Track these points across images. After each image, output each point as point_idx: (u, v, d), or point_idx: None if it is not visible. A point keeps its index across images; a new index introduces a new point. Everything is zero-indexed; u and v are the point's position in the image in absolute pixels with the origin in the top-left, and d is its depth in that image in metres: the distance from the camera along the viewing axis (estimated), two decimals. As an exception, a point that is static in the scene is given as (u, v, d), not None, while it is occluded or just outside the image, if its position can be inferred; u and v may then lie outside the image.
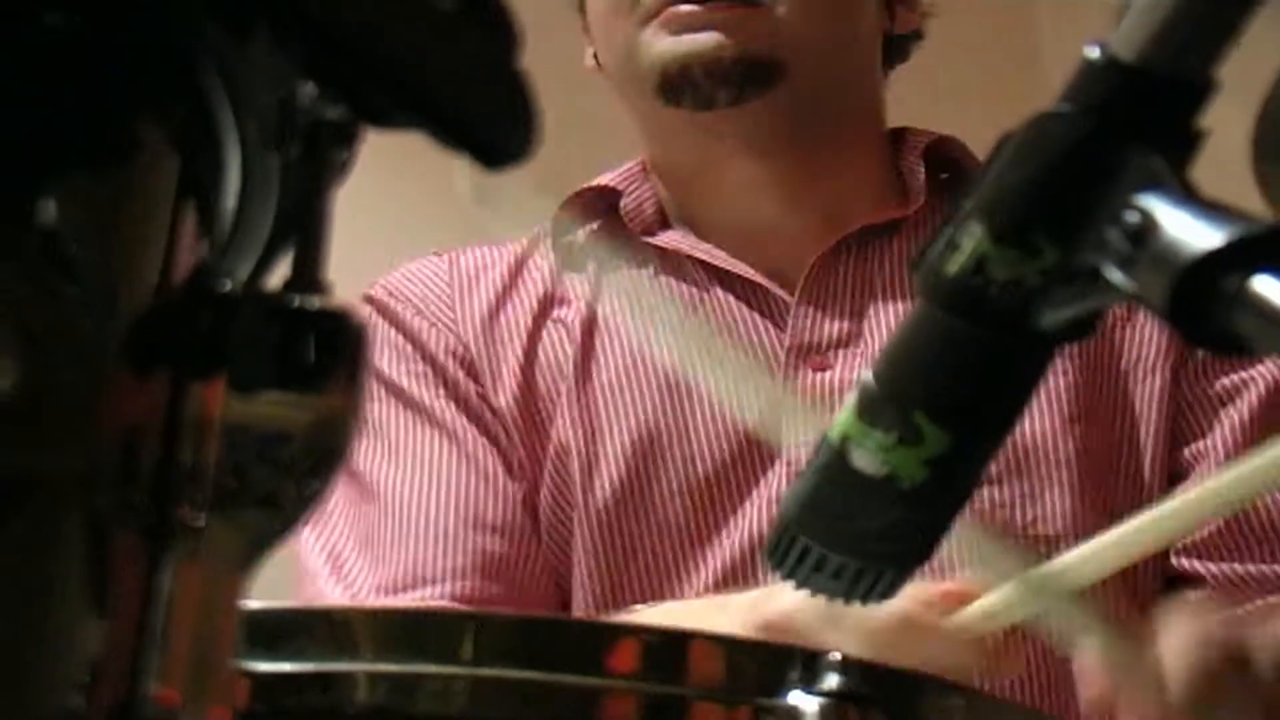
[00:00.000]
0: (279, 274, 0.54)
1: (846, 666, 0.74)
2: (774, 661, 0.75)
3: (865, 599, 0.79)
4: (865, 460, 0.76)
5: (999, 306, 0.72)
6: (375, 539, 1.40)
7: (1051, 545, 1.37)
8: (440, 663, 0.72)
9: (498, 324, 1.48)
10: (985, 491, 1.37)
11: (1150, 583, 1.42)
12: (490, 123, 0.50)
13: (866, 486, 0.76)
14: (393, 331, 1.47)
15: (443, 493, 1.42)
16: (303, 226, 0.54)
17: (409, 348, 1.47)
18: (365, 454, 1.44)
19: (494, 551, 1.39)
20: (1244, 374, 1.45)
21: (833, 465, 0.78)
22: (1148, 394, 1.44)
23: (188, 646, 0.45)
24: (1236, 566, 1.41)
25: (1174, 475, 1.43)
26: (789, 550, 0.80)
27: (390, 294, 1.50)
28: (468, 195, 2.12)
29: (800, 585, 0.80)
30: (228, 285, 0.50)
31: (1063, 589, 1.13)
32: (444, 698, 0.72)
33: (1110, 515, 1.39)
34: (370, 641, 0.73)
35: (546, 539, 1.42)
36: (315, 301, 0.51)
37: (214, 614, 0.45)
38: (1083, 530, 1.37)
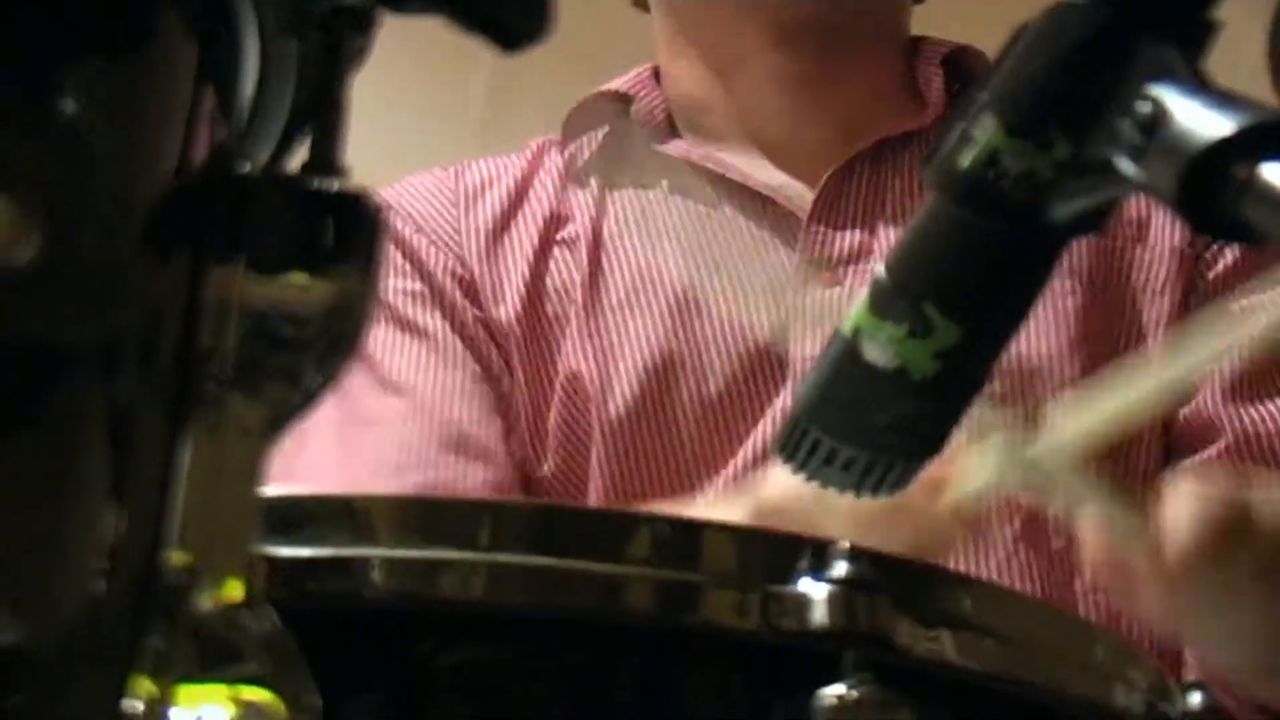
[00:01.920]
0: (297, 159, 0.55)
1: (855, 555, 0.75)
2: (784, 550, 0.76)
3: (875, 491, 0.80)
4: (876, 353, 0.77)
5: (1011, 199, 0.72)
6: (358, 461, 1.41)
7: None
8: (457, 549, 0.73)
9: (502, 243, 1.47)
10: (987, 411, 1.37)
11: (1151, 463, 1.42)
12: (507, 5, 0.50)
13: (877, 379, 0.77)
14: (390, 247, 1.46)
15: (430, 421, 1.41)
16: (320, 112, 0.55)
17: (406, 265, 1.46)
18: (356, 377, 1.43)
19: (475, 477, 1.39)
20: (1256, 299, 1.45)
21: (844, 358, 0.78)
22: (1156, 316, 1.44)
23: (209, 519, 0.45)
24: (1255, 409, 1.40)
25: (1180, 400, 1.43)
26: (800, 443, 0.80)
27: (390, 208, 1.50)
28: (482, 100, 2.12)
29: (811, 478, 0.81)
30: (246, 169, 0.51)
31: (1054, 461, 1.14)
32: (461, 583, 0.73)
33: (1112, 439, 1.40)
34: (388, 528, 0.74)
35: (560, 459, 1.42)
36: (333, 184, 0.51)
37: (235, 487, 0.46)
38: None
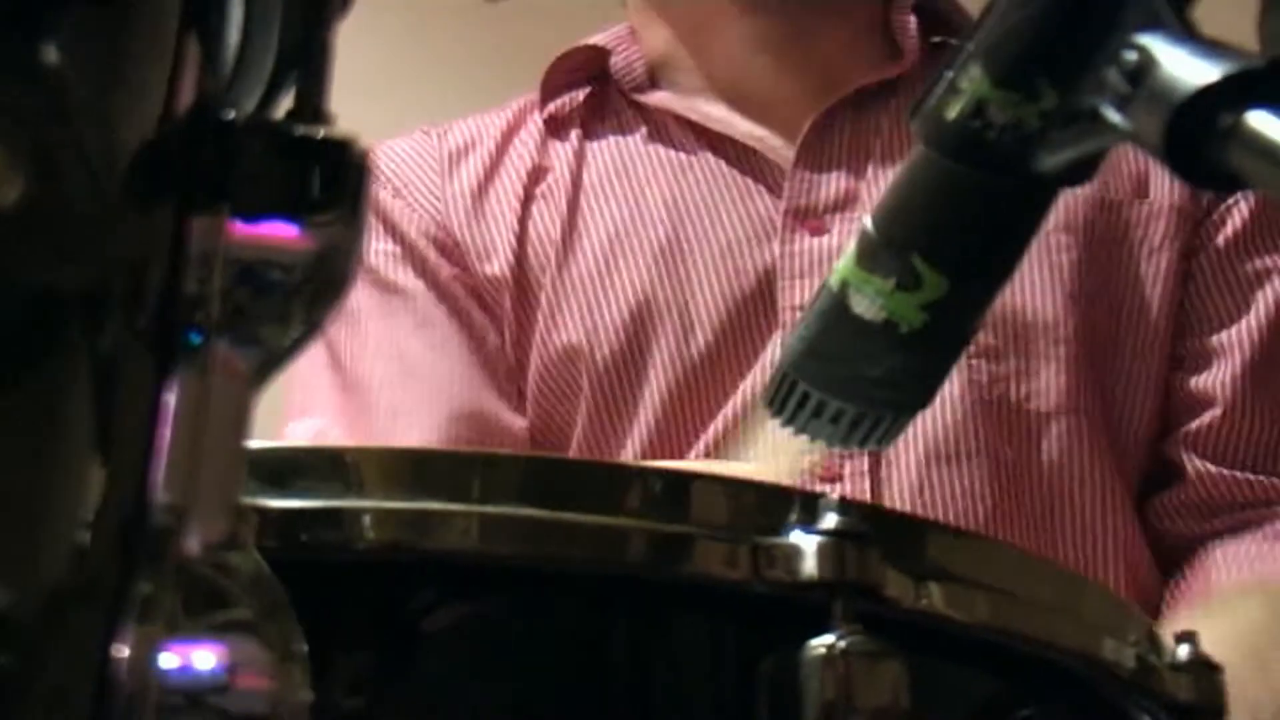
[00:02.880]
0: (283, 109, 0.55)
1: (845, 507, 0.75)
2: (774, 501, 0.76)
3: (863, 444, 0.80)
4: (864, 306, 0.77)
5: (998, 150, 0.73)
6: (353, 424, 1.41)
7: (1045, 421, 1.38)
8: (449, 500, 0.73)
9: (486, 201, 1.47)
10: (983, 365, 1.38)
11: (1144, 427, 1.43)
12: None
13: (865, 332, 0.77)
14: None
15: (416, 385, 1.42)
16: (306, 59, 0.55)
17: (380, 227, 1.46)
18: (341, 338, 1.44)
19: (467, 440, 1.40)
20: (1265, 262, 1.44)
21: (831, 311, 0.78)
22: (1153, 274, 1.43)
23: (196, 463, 0.45)
24: (1225, 471, 1.41)
25: (1177, 361, 1.43)
26: (788, 396, 0.81)
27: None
28: None
29: (799, 431, 0.81)
30: (231, 116, 0.51)
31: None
32: (452, 535, 0.73)
33: (1106, 395, 1.40)
34: (379, 480, 0.74)
35: (540, 413, 1.42)
36: (318, 131, 0.51)
37: (222, 431, 0.46)
38: (1078, 408, 1.38)
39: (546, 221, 1.46)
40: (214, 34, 0.53)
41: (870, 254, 0.77)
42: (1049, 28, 0.71)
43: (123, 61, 0.48)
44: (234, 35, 0.55)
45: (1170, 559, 1.42)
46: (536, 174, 1.48)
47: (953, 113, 0.73)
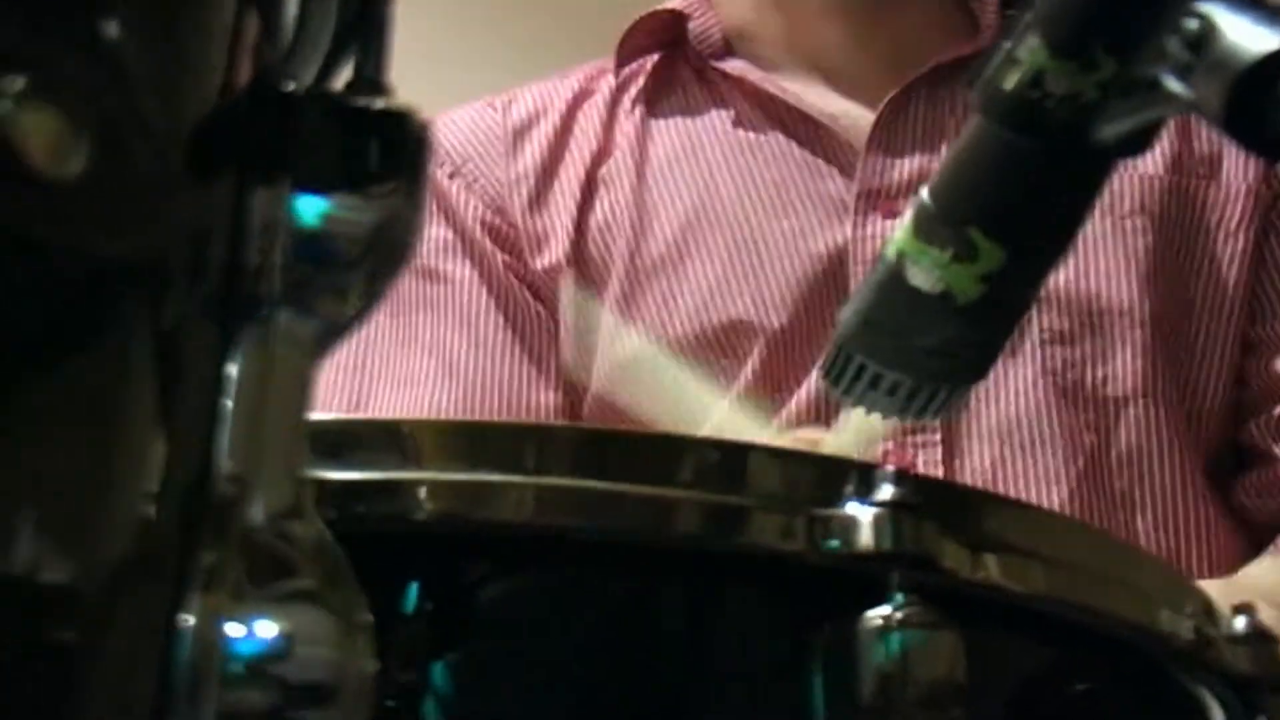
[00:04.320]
0: (342, 80, 0.55)
1: (901, 478, 0.75)
2: (830, 473, 0.76)
3: (920, 415, 0.80)
4: (921, 277, 0.77)
5: (1056, 120, 0.72)
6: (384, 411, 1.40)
7: (1121, 406, 1.37)
8: (504, 472, 0.74)
9: (550, 187, 1.46)
10: (1057, 350, 1.37)
11: (1219, 410, 1.42)
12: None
13: (922, 303, 0.77)
14: None
15: (452, 382, 1.41)
16: (364, 31, 0.55)
17: (434, 210, 1.44)
18: (381, 330, 1.43)
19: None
20: None
21: (889, 283, 0.78)
22: (1228, 256, 1.42)
23: (258, 433, 0.46)
24: None
25: (1251, 345, 1.42)
26: (845, 368, 0.81)
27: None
28: None
29: (856, 403, 0.81)
30: (290, 88, 0.51)
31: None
32: (508, 506, 0.74)
33: (1181, 378, 1.39)
34: (435, 451, 0.75)
35: (616, 405, 1.41)
36: (378, 103, 0.51)
37: (284, 401, 0.46)
38: (1152, 392, 1.37)
39: (609, 208, 1.44)
40: (273, 5, 0.53)
41: (927, 225, 0.77)
42: (1108, -3, 0.70)
43: (183, 34, 0.48)
44: (292, 6, 0.55)
45: (1261, 538, 1.41)
46: (600, 155, 1.47)
47: (1010, 83, 0.73)
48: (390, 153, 0.51)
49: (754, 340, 1.38)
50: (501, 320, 1.43)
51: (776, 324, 1.38)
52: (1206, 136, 1.42)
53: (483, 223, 1.45)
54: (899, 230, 0.79)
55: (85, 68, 0.42)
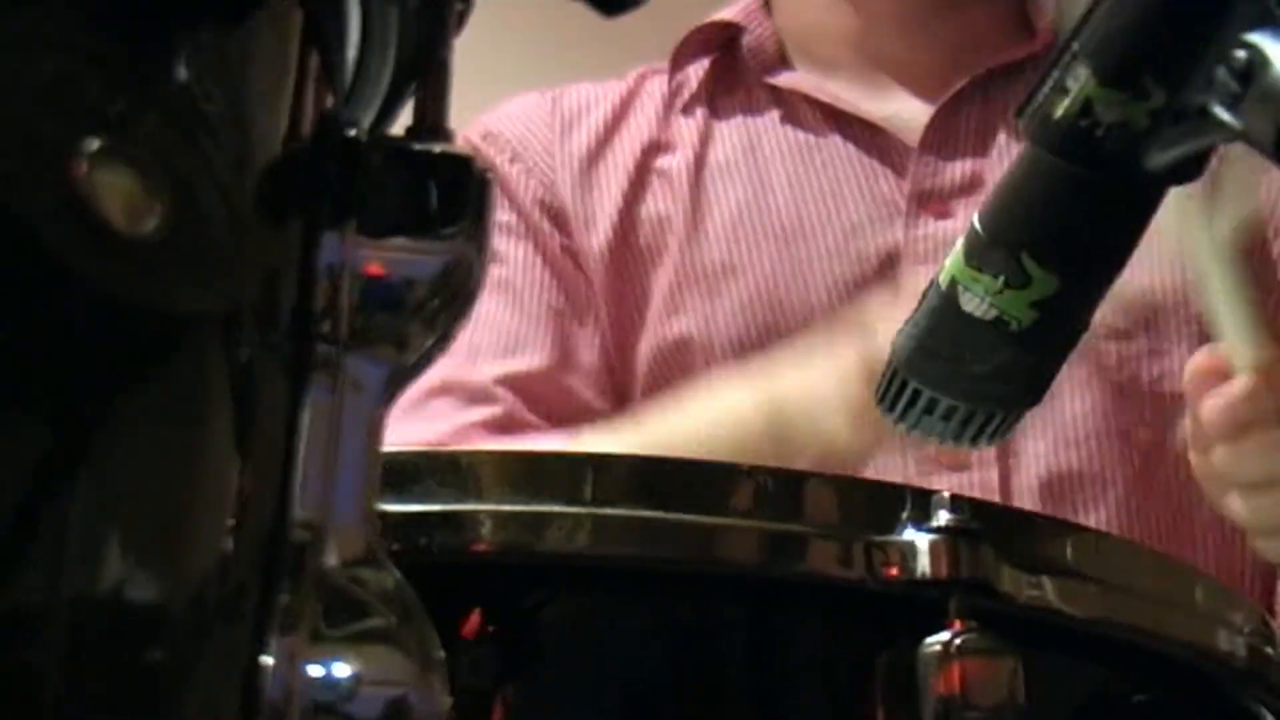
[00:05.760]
0: (403, 123, 0.56)
1: (957, 503, 0.76)
2: (886, 499, 0.77)
3: (974, 441, 0.80)
4: (974, 303, 0.77)
5: (1106, 148, 0.73)
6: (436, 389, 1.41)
7: (1178, 401, 1.36)
8: (563, 503, 0.74)
9: (596, 169, 1.47)
10: (1113, 345, 1.36)
11: None
12: (607, -32, 0.51)
13: (975, 329, 0.77)
14: None
15: (512, 358, 1.42)
16: (423, 75, 0.55)
17: (500, 195, 1.46)
18: None
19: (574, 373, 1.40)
20: None
21: (942, 309, 0.79)
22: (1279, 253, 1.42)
23: (330, 478, 0.47)
24: None
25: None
26: (899, 394, 0.81)
27: (485, 136, 1.49)
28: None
29: (911, 428, 0.81)
30: (354, 133, 0.51)
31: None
32: (567, 536, 0.74)
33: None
34: (495, 483, 0.75)
35: (652, 388, 1.42)
36: (439, 148, 0.52)
37: (354, 446, 0.47)
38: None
39: (662, 201, 1.45)
40: (333, 51, 0.54)
41: (979, 252, 0.77)
42: (1156, 27, 0.71)
43: (250, 80, 0.49)
44: (352, 52, 0.56)
45: None
46: (654, 148, 1.48)
47: (1060, 111, 0.73)
48: (453, 197, 0.52)
49: (800, 340, 1.38)
50: (561, 298, 1.44)
51: (824, 324, 1.39)
52: None
53: (541, 203, 1.46)
54: (951, 257, 0.79)
55: (159, 126, 0.43)
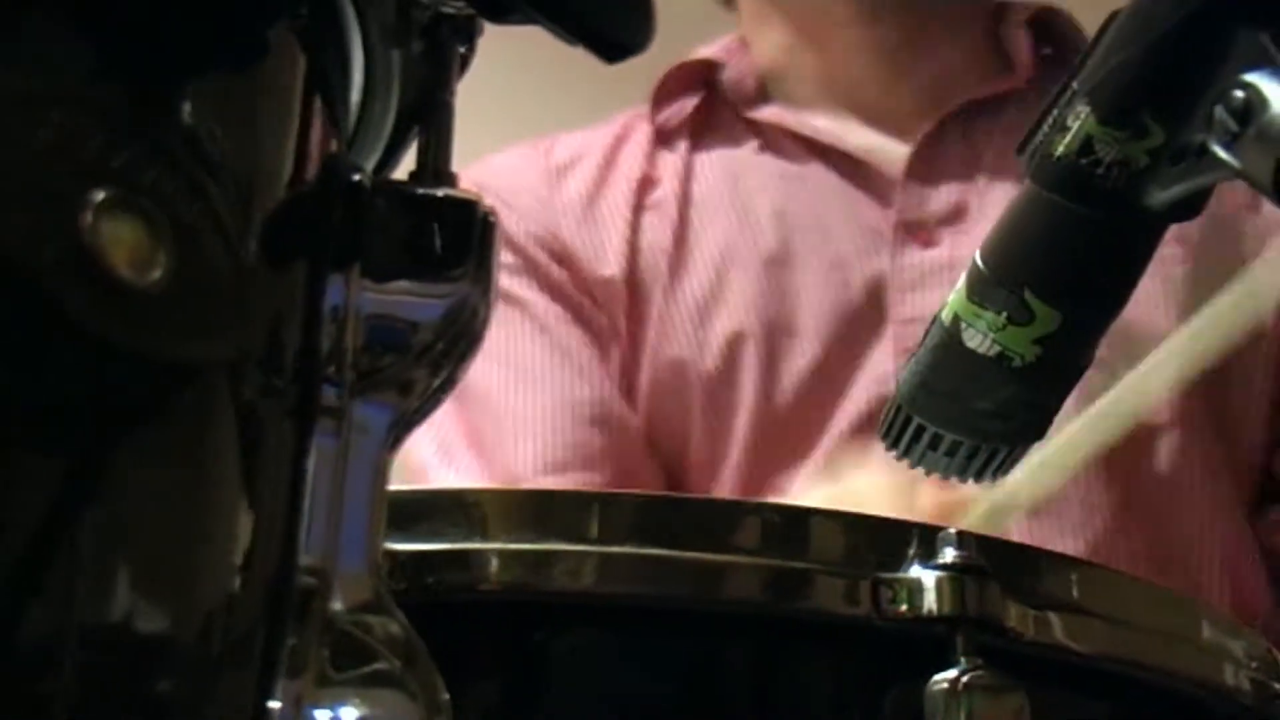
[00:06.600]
0: (406, 167, 0.57)
1: (963, 540, 0.76)
2: (893, 536, 0.77)
3: (979, 477, 0.81)
4: (976, 340, 0.77)
5: (1106, 187, 0.73)
6: (479, 436, 1.42)
7: (1160, 430, 1.37)
8: (568, 541, 0.75)
9: (596, 209, 1.47)
10: (1093, 375, 1.36)
11: (1259, 437, 1.41)
12: (608, 16, 0.51)
13: (978, 365, 0.78)
14: None
15: (537, 391, 1.42)
16: (426, 119, 0.56)
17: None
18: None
19: (592, 443, 1.40)
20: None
21: (944, 345, 0.79)
22: None
23: (336, 522, 0.47)
24: None
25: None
26: (903, 430, 0.81)
27: (476, 186, 1.49)
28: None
29: (915, 464, 0.82)
30: (358, 177, 0.52)
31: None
32: (573, 574, 0.75)
33: (1218, 409, 1.39)
34: (501, 521, 0.76)
35: (661, 420, 1.42)
36: (442, 192, 0.53)
37: (360, 490, 0.47)
38: (1190, 421, 1.37)
39: (657, 232, 1.46)
40: (337, 96, 0.54)
41: (981, 289, 0.77)
42: (1155, 66, 0.71)
43: (255, 126, 0.49)
44: (355, 96, 0.56)
45: None
46: (646, 184, 1.48)
47: (1060, 149, 0.73)
48: (457, 240, 0.52)
49: (787, 368, 1.39)
50: (575, 326, 1.44)
51: (810, 352, 1.39)
52: None
53: (539, 241, 1.46)
54: (953, 293, 0.79)
55: (164, 175, 0.43)
